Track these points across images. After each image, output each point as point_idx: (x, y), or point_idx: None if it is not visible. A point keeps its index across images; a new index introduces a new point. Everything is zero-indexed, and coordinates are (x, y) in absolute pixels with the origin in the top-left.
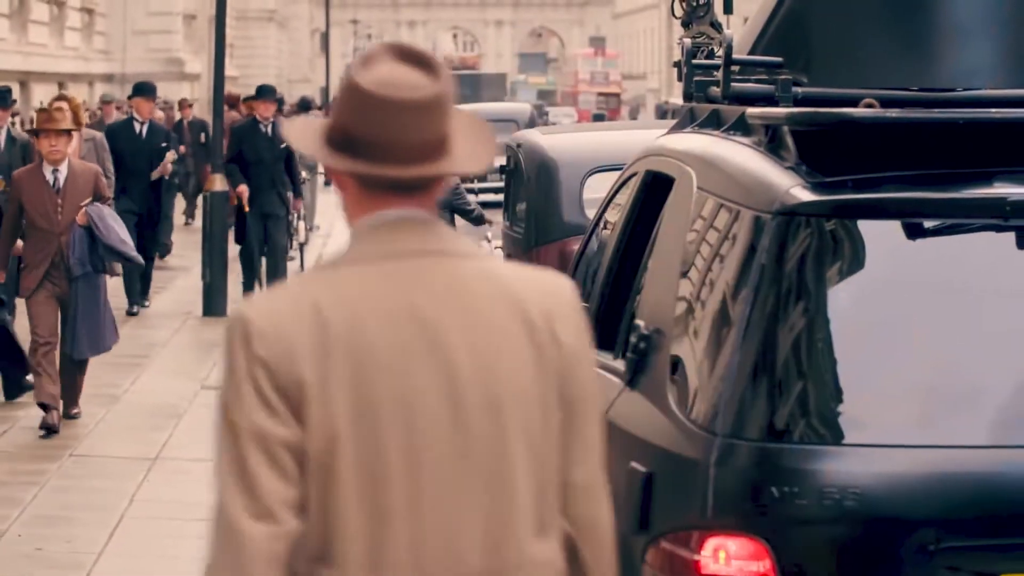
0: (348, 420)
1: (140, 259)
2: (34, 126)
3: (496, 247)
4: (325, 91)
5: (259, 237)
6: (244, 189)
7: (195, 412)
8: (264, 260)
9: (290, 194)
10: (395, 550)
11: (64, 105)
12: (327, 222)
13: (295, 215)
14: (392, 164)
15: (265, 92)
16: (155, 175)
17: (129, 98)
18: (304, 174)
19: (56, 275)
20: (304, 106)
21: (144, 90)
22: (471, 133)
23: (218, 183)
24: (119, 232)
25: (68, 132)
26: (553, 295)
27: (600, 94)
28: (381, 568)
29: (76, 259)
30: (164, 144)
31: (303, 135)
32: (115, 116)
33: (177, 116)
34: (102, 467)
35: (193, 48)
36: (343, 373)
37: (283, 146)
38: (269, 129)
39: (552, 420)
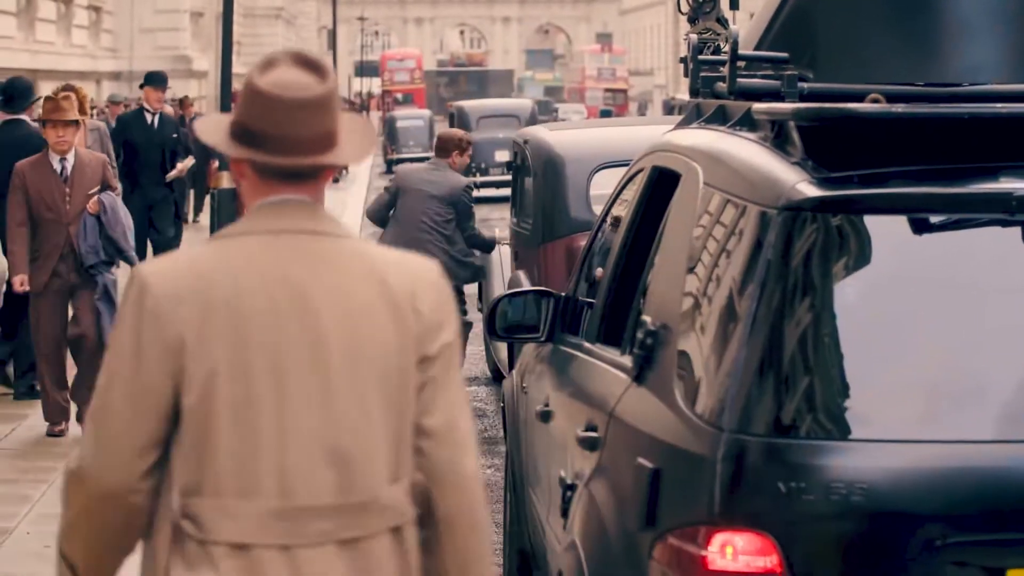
0: (224, 371)
1: (136, 260)
2: (40, 116)
3: (504, 240)
4: None
5: None
6: None
7: None
8: None
9: None
10: (264, 480)
11: (71, 95)
12: (336, 216)
13: None
14: (283, 154)
15: None
16: (170, 177)
17: (140, 87)
18: None
19: (64, 268)
20: None
21: (154, 80)
22: (355, 130)
23: (225, 180)
24: (125, 227)
25: (76, 122)
26: (416, 275)
27: (607, 90)
28: (252, 494)
29: (88, 247)
30: (175, 136)
31: (211, 129)
32: None
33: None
34: None
35: (200, 45)
36: (222, 329)
37: None
38: None
39: (410, 381)
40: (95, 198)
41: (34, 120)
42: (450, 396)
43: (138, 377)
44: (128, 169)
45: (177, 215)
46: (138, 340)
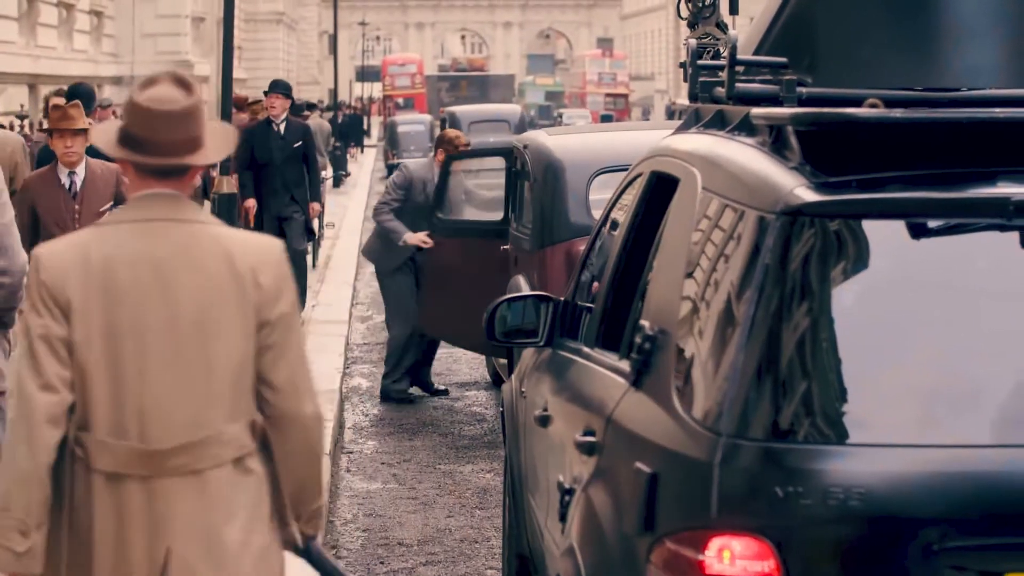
0: (98, 331)
1: None
2: (47, 126)
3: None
4: (334, 93)
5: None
6: (251, 204)
7: None
8: None
9: (315, 205)
10: (127, 421)
11: (79, 102)
12: (337, 221)
13: (314, 219)
14: (154, 156)
15: (275, 87)
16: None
17: None
18: None
19: None
20: (310, 107)
21: None
22: (217, 136)
23: (225, 185)
24: None
25: (84, 131)
26: (259, 252)
27: (608, 95)
28: (118, 433)
29: None
30: None
31: (102, 135)
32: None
33: None
34: None
35: (202, 50)
36: (97, 297)
37: (296, 146)
38: (281, 128)
39: (249, 342)
40: (107, 216)
41: (40, 130)
42: (290, 356)
43: (48, 330)
44: None
45: None
46: (41, 303)
